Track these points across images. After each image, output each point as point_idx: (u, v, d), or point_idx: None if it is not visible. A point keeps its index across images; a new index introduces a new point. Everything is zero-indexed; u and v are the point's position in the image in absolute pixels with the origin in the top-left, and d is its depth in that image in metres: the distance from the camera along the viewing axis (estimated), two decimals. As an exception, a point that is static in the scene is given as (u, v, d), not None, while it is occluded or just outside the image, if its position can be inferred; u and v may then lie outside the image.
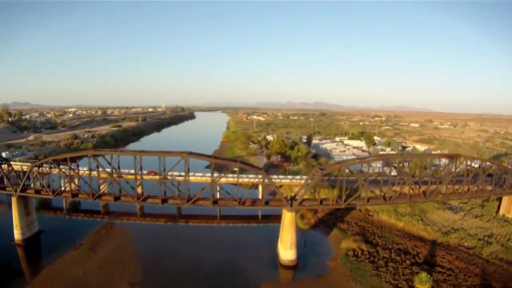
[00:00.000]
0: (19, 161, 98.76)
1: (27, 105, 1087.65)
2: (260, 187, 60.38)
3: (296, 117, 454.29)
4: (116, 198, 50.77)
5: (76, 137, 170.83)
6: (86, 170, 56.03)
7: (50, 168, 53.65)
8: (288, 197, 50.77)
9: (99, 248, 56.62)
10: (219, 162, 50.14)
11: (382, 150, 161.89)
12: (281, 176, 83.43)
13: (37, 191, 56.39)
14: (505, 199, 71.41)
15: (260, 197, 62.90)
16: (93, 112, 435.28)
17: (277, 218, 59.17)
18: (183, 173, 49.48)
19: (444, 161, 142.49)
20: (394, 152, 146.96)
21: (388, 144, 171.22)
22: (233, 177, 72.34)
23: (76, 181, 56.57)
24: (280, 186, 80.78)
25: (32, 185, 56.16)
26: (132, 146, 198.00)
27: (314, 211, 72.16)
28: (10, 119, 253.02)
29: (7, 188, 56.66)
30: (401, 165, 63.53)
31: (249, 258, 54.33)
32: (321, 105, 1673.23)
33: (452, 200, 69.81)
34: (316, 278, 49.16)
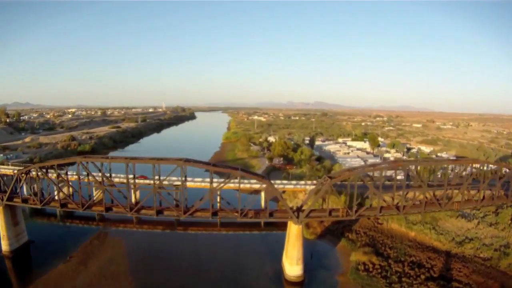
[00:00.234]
0: (12, 164, 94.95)
1: (27, 105, 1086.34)
2: (262, 194, 56.40)
3: (297, 117, 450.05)
4: (108, 209, 46.93)
5: (73, 138, 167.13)
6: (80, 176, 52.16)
7: (38, 176, 49.79)
8: (294, 208, 46.70)
9: (91, 261, 52.79)
10: (218, 170, 46.15)
11: (387, 151, 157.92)
12: (285, 181, 79.41)
13: (25, 200, 52.64)
14: (521, 206, 67.35)
15: (262, 204, 58.93)
16: (93, 113, 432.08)
17: (281, 225, 55.32)
18: (181, 178, 45.46)
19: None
20: (403, 156, 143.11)
21: (393, 146, 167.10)
22: (234, 183, 68.46)
23: (65, 189, 52.71)
24: (283, 191, 76.88)
25: (25, 193, 52.34)
26: (131, 147, 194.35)
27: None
28: (8, 120, 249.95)
29: (-8, 197, 52.83)
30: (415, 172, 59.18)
31: (251, 273, 50.41)
32: (321, 105, 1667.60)
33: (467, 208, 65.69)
34: (324, 296, 45.32)
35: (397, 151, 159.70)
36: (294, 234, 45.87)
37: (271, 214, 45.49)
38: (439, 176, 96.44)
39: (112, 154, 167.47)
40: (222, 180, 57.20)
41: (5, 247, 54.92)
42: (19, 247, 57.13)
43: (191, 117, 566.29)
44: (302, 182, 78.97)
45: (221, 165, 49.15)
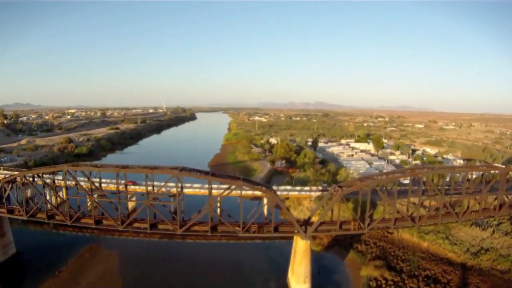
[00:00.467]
0: (4, 169, 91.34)
1: (28, 106, 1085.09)
2: (265, 200, 52.16)
3: (298, 118, 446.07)
4: (98, 222, 43.11)
5: (70, 140, 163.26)
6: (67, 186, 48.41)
7: (23, 184, 46.01)
8: (301, 220, 42.74)
9: (81, 276, 48.94)
10: (218, 180, 42.21)
11: (391, 153, 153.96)
12: (288, 187, 75.41)
13: (10, 211, 48.90)
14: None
15: (265, 210, 54.91)
16: (92, 114, 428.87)
17: (286, 226, 51.19)
18: (177, 189, 41.61)
19: (459, 165, 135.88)
20: (408, 159, 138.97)
21: (397, 148, 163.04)
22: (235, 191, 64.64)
23: (54, 199, 48.86)
24: (287, 198, 72.99)
25: (16, 201, 48.44)
26: (130, 149, 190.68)
27: (324, 222, 64.27)
28: (5, 122, 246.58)
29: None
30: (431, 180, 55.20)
31: (254, 289, 46.57)
32: (322, 105, 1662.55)
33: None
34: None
35: (401, 153, 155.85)
36: (301, 250, 41.93)
37: (276, 229, 41.53)
38: (448, 180, 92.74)
39: (110, 156, 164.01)
40: (222, 186, 53.31)
41: (-10, 261, 51.28)
42: (6, 259, 53.56)
43: (192, 117, 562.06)
44: (307, 188, 75.04)
45: (220, 174, 45.22)
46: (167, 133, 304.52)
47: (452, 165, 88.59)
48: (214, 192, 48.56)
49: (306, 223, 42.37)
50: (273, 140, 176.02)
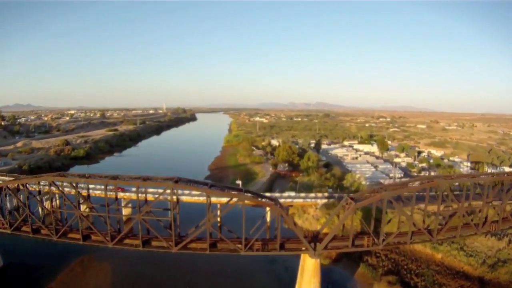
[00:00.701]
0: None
1: (29, 107, 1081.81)
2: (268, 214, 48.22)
3: (299, 119, 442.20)
4: (85, 237, 39.41)
5: (67, 143, 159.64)
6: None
7: (6, 195, 42.35)
8: (309, 236, 38.95)
9: (71, 294, 45.32)
10: (217, 194, 38.45)
11: (396, 155, 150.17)
12: (292, 194, 71.58)
13: (-7, 223, 45.09)
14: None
15: (268, 218, 51.05)
16: (91, 115, 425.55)
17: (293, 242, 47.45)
18: (171, 204, 37.81)
19: (467, 168, 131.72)
20: (414, 161, 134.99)
21: (402, 149, 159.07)
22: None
23: (40, 210, 45.12)
24: (291, 206, 69.20)
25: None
26: (129, 151, 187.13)
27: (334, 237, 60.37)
28: (2, 123, 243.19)
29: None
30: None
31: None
32: (323, 105, 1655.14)
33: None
34: None
35: (407, 155, 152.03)
36: (310, 269, 38.13)
37: (282, 246, 37.68)
38: (457, 184, 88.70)
39: (108, 159, 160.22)
40: (222, 199, 49.39)
41: (-26, 276, 47.66)
42: (-9, 274, 49.96)
43: (192, 118, 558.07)
44: (312, 195, 71.17)
45: (220, 186, 41.38)
46: (167, 134, 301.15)
47: (472, 173, 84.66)
48: (214, 200, 44.95)
49: (315, 238, 38.52)
50: (274, 142, 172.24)
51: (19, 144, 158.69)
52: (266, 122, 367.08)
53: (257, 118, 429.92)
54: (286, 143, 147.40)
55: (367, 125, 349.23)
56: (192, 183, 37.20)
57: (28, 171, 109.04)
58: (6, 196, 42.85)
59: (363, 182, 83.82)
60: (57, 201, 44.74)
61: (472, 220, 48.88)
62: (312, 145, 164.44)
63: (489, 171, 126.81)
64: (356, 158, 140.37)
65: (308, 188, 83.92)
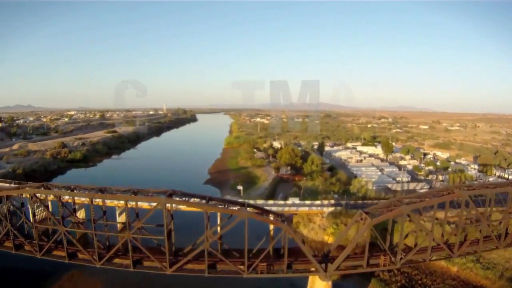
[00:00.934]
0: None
1: (29, 107, 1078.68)
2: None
3: (300, 119, 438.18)
4: (71, 255, 35.78)
5: (64, 145, 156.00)
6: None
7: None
8: (319, 255, 35.16)
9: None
10: (217, 211, 34.67)
11: (402, 158, 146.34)
12: (297, 201, 67.81)
13: (-27, 238, 41.43)
14: None
15: (270, 226, 47.25)
16: (91, 116, 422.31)
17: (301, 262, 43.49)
18: (165, 221, 33.99)
19: (474, 170, 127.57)
20: (420, 164, 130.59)
21: (407, 152, 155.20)
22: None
23: (25, 224, 41.40)
24: (295, 214, 65.50)
25: None
26: (127, 154, 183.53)
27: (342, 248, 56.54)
28: (0, 125, 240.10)
29: None
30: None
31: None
32: (323, 105, 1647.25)
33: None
34: None
35: (412, 157, 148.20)
36: (320, 292, 34.39)
37: (289, 266, 33.96)
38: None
39: (106, 161, 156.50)
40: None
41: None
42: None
43: (192, 119, 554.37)
44: (318, 202, 67.40)
45: (219, 199, 37.68)
46: (168, 135, 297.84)
47: (492, 182, 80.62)
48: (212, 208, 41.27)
49: (326, 258, 34.81)
50: (276, 144, 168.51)
51: (15, 147, 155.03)
52: (267, 123, 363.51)
53: (258, 119, 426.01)
54: (289, 145, 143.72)
55: (369, 125, 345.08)
56: (188, 196, 33.51)
57: (23, 175, 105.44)
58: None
59: (370, 187, 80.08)
60: (42, 213, 41.11)
61: (492, 231, 45.21)
62: (315, 147, 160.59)
63: (497, 174, 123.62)
64: (361, 161, 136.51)
65: (312, 193, 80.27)
